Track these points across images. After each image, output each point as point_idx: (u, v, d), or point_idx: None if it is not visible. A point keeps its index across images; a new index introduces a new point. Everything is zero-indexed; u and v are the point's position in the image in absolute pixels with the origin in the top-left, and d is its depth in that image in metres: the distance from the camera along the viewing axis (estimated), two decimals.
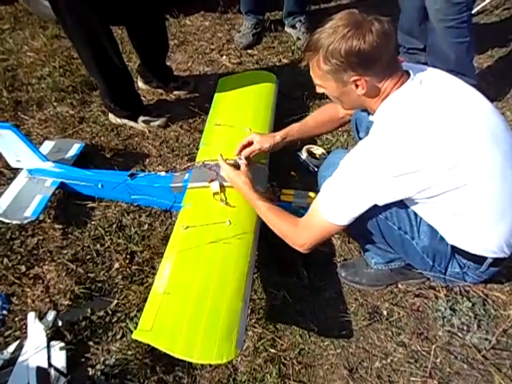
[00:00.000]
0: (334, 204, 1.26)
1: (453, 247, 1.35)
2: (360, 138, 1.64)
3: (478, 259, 1.33)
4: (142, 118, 2.34)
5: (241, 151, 1.71)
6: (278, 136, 1.73)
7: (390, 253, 1.53)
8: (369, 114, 1.36)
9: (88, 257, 1.79)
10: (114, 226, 1.90)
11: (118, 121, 2.39)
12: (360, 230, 1.37)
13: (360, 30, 1.13)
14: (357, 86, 1.21)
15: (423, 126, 1.16)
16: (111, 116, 2.40)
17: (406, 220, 1.34)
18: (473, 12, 2.46)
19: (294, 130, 1.75)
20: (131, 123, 2.38)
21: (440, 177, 1.16)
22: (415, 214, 1.34)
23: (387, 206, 1.29)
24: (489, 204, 1.23)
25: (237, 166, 1.65)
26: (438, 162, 1.14)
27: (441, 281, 1.52)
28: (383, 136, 1.20)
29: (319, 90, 1.33)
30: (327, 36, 1.16)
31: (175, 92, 2.61)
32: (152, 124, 2.35)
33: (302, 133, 1.77)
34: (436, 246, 1.35)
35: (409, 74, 1.24)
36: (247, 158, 1.69)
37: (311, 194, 1.73)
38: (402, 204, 1.31)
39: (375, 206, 1.25)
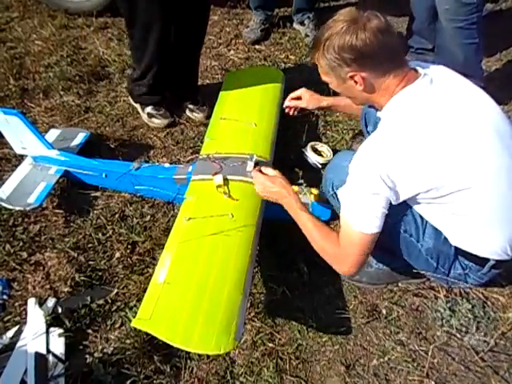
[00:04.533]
0: (359, 213, 1.21)
1: (456, 248, 1.35)
2: (368, 132, 1.64)
3: (481, 261, 1.33)
4: (148, 109, 2.33)
5: (289, 101, 1.85)
6: (325, 102, 1.81)
7: (392, 255, 1.52)
8: (377, 109, 1.36)
9: (89, 245, 1.80)
10: (117, 215, 1.90)
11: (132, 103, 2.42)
12: None
13: (354, 26, 1.14)
14: (355, 82, 1.22)
15: (430, 127, 1.16)
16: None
17: (412, 223, 1.34)
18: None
19: (341, 102, 1.77)
20: (139, 109, 2.38)
21: (445, 178, 1.16)
22: (421, 217, 1.34)
23: (393, 210, 1.26)
24: (495, 206, 1.23)
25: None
26: (443, 164, 1.14)
27: (443, 282, 1.52)
28: (389, 134, 1.20)
29: (330, 86, 1.34)
30: (325, 32, 1.20)
31: (187, 113, 2.43)
32: (154, 120, 2.34)
33: (346, 108, 1.80)
34: (440, 247, 1.35)
35: (416, 71, 1.23)
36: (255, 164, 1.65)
37: (314, 191, 1.73)
38: (408, 207, 1.31)
39: None
